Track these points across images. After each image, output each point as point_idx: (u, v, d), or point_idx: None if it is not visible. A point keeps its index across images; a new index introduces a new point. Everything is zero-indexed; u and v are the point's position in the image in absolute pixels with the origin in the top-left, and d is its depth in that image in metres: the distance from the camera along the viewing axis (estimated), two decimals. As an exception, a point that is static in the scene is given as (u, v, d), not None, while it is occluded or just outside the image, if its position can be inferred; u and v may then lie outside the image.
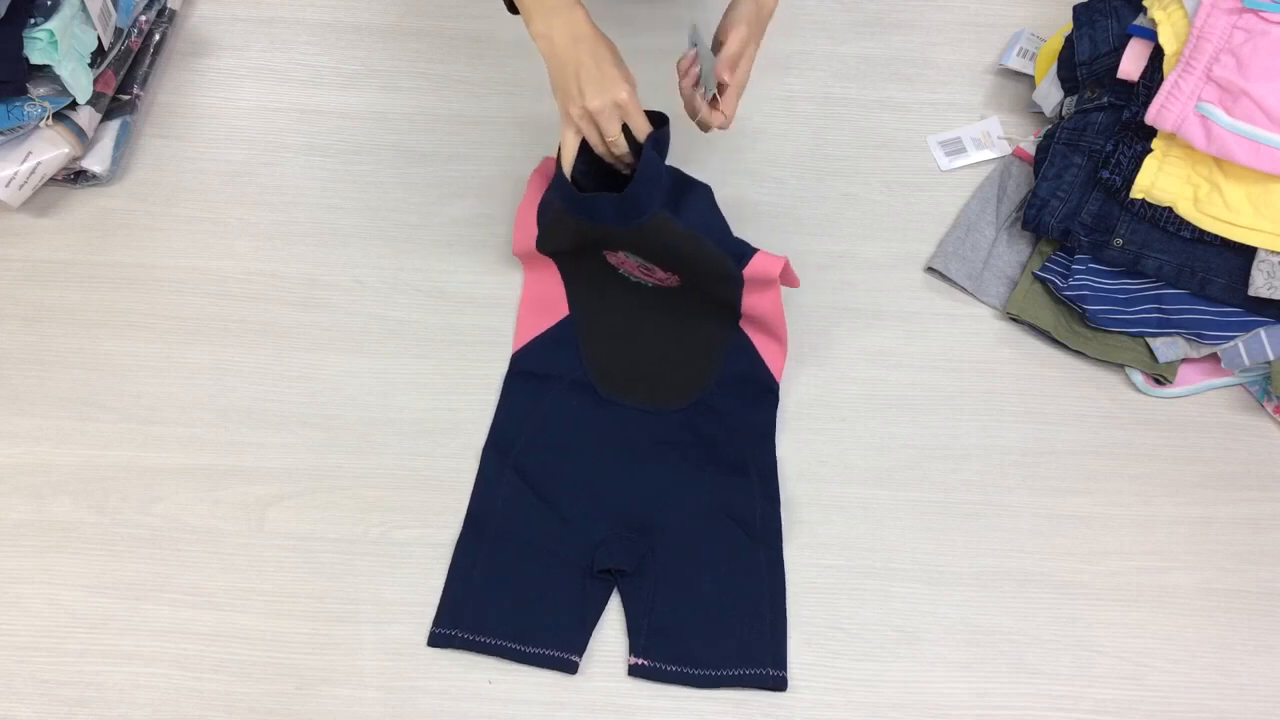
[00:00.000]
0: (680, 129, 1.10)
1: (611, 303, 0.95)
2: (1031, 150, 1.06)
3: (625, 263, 0.94)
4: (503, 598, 0.84)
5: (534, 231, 0.94)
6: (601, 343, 0.94)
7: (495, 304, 0.98)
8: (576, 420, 0.92)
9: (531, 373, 0.94)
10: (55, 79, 0.94)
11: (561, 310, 0.96)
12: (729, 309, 0.92)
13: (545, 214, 0.93)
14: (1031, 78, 1.12)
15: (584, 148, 0.87)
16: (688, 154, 1.07)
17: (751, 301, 0.90)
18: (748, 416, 0.92)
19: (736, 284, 0.89)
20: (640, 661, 0.82)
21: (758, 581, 0.85)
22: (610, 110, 0.82)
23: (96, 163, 1.01)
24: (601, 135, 0.84)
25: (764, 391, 0.93)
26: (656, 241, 0.88)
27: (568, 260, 0.96)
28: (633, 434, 0.91)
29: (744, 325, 0.93)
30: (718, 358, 0.93)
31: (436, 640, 0.82)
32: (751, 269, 0.87)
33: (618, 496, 0.88)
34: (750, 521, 0.87)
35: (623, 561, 0.84)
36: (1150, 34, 0.95)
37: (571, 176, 0.87)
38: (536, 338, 0.95)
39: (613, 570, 0.84)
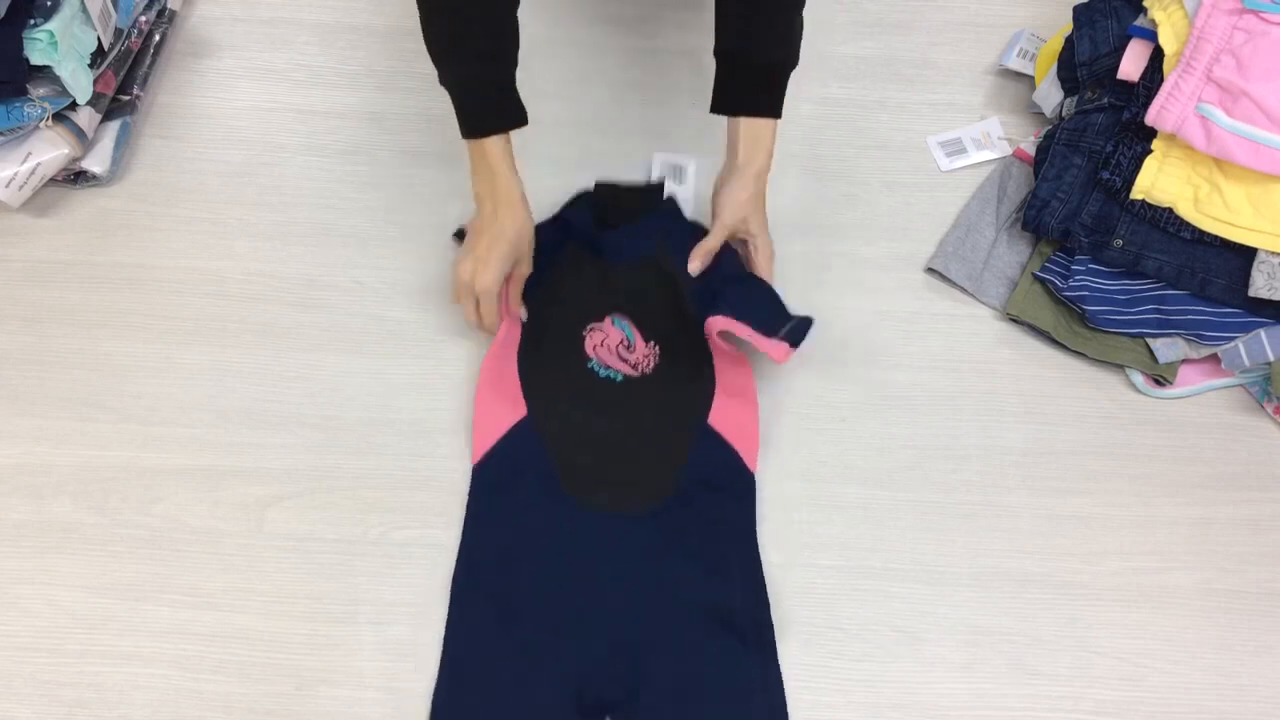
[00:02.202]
0: (678, 126, 1.10)
1: (573, 401, 0.91)
2: (1031, 151, 1.06)
3: (604, 342, 0.92)
4: None
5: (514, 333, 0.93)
6: (565, 444, 0.89)
7: (495, 304, 0.98)
8: (548, 535, 0.85)
9: (495, 484, 0.87)
10: (55, 79, 0.94)
11: (519, 410, 0.90)
12: (699, 399, 0.90)
13: (550, 262, 0.94)
14: (1032, 78, 1.12)
15: (587, 198, 0.98)
16: (687, 152, 1.07)
17: (721, 367, 0.91)
18: (724, 513, 0.87)
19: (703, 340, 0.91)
20: None
21: (755, 699, 0.80)
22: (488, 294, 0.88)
23: (96, 163, 1.01)
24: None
25: (739, 485, 0.88)
26: (655, 283, 0.93)
27: (530, 355, 0.92)
28: (608, 545, 0.85)
29: (713, 419, 0.89)
30: (685, 453, 0.88)
31: None
32: (709, 325, 0.88)
33: (600, 617, 0.82)
34: (741, 628, 0.81)
35: (613, 694, 0.79)
36: (1150, 35, 0.95)
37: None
38: (496, 445, 0.89)
39: (604, 703, 0.79)
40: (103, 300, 0.97)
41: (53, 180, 1.01)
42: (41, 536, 0.86)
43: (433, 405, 0.93)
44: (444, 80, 0.86)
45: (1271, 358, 0.92)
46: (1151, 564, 0.88)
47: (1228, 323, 0.94)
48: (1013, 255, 1.02)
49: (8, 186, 0.95)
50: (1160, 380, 0.96)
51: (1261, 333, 0.93)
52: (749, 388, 0.92)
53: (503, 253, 0.87)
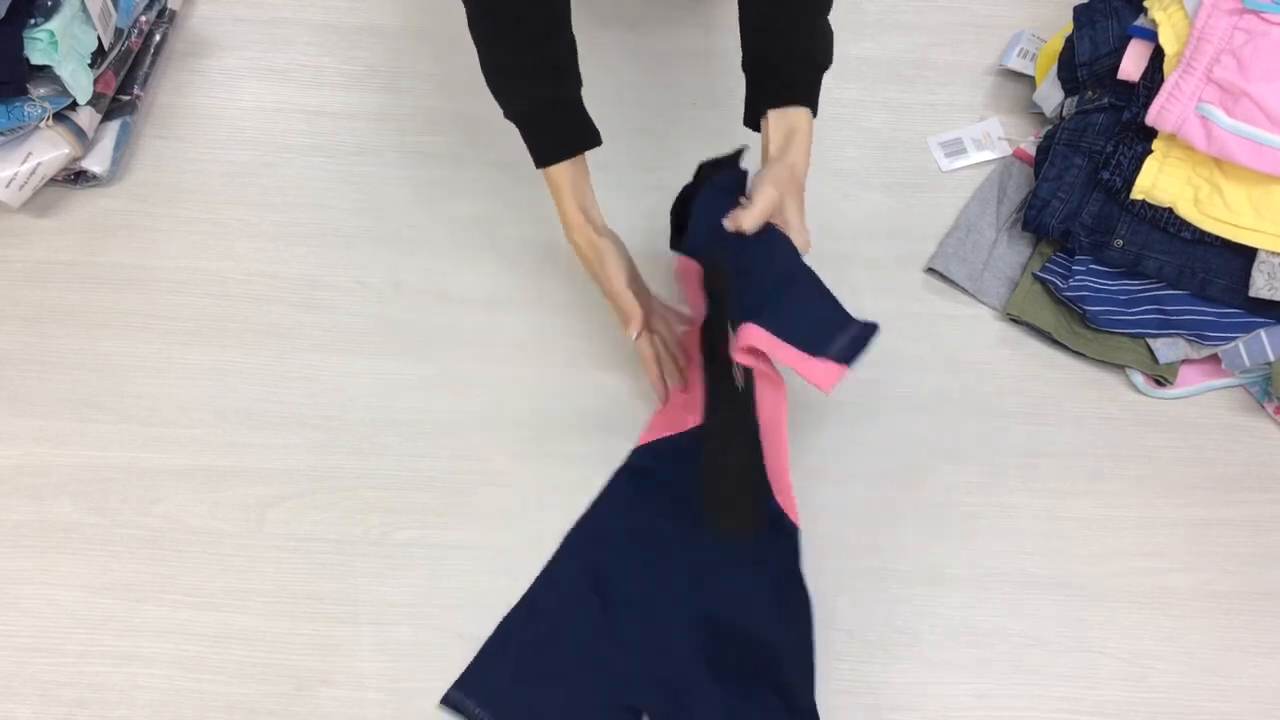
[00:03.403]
0: (678, 125, 1.10)
1: (726, 411, 0.84)
2: (1032, 151, 1.06)
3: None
4: (527, 693, 0.80)
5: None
6: (714, 458, 0.84)
7: (497, 304, 0.98)
8: (668, 539, 0.85)
9: (647, 471, 0.88)
10: (55, 79, 0.94)
11: (696, 417, 0.88)
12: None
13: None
14: (1032, 78, 1.12)
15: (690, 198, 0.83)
16: (688, 153, 1.07)
17: (760, 391, 0.79)
18: (792, 564, 0.82)
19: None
20: None
21: None
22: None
23: (96, 163, 1.01)
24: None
25: (785, 536, 0.83)
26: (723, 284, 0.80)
27: (709, 368, 0.87)
28: (709, 570, 0.83)
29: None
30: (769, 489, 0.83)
31: (449, 700, 0.79)
32: (742, 335, 0.73)
33: (673, 637, 0.82)
34: (791, 693, 0.79)
35: (653, 713, 0.80)
36: (1151, 35, 0.95)
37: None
38: (664, 438, 0.89)
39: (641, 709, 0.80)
40: (103, 300, 0.97)
41: (53, 180, 1.01)
42: (41, 537, 0.86)
43: (434, 406, 0.93)
44: (507, 114, 0.83)
45: (1272, 358, 0.92)
46: (1152, 565, 0.88)
47: (1228, 323, 0.94)
48: (1013, 255, 1.02)
49: (8, 186, 0.95)
50: (1161, 381, 0.96)
51: (1262, 333, 0.93)
52: (782, 417, 0.79)
53: (619, 278, 0.85)
